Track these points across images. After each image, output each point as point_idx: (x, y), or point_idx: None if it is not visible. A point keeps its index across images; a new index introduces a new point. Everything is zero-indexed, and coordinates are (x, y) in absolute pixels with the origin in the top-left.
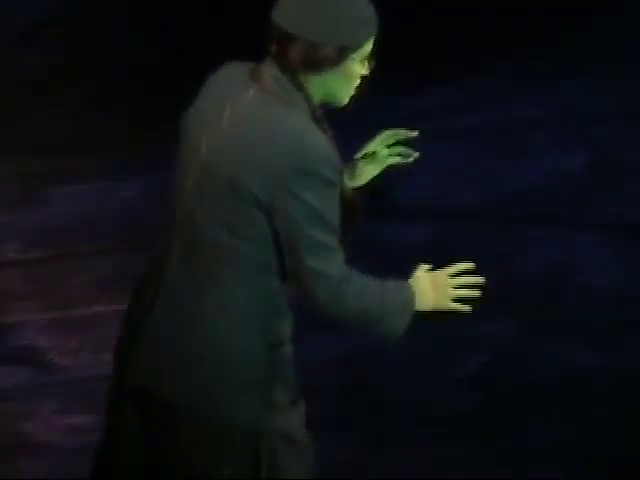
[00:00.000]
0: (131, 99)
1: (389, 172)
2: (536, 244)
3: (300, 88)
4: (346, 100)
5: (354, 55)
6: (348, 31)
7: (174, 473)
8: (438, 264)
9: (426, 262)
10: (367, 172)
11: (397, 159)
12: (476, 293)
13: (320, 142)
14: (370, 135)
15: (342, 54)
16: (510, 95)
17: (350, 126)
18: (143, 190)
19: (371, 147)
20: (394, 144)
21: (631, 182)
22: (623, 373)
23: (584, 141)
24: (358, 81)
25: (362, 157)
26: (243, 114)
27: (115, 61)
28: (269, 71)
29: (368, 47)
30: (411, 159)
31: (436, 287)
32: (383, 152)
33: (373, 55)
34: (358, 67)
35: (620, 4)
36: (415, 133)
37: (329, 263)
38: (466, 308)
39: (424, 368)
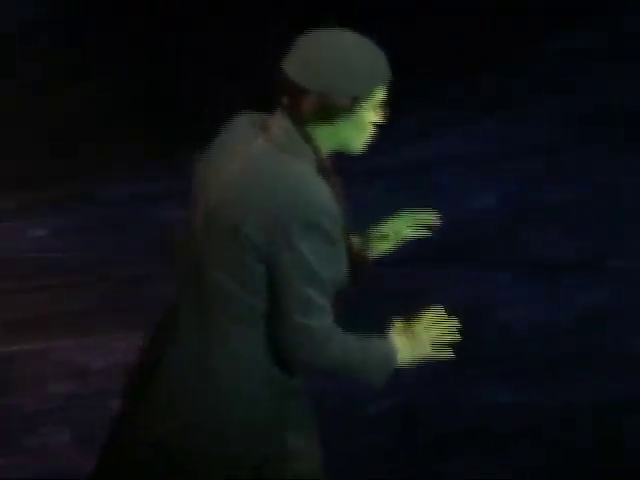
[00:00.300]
0: (131, 103)
1: None
2: (449, 282)
3: (308, 140)
4: (361, 147)
5: (366, 104)
6: (360, 81)
7: None
8: (410, 312)
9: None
10: (379, 248)
11: (411, 232)
12: (455, 337)
13: (323, 195)
14: None
15: (354, 104)
16: (428, 135)
17: None
18: (52, 229)
19: (387, 229)
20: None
21: (542, 220)
22: (539, 409)
23: (498, 180)
24: (371, 128)
25: (376, 236)
26: (250, 164)
27: (115, 62)
28: (278, 122)
29: (380, 95)
30: (427, 234)
31: (414, 339)
32: (399, 230)
33: (385, 102)
34: (370, 115)
35: (540, 52)
36: (433, 216)
37: (317, 320)
38: (448, 354)
39: (341, 407)
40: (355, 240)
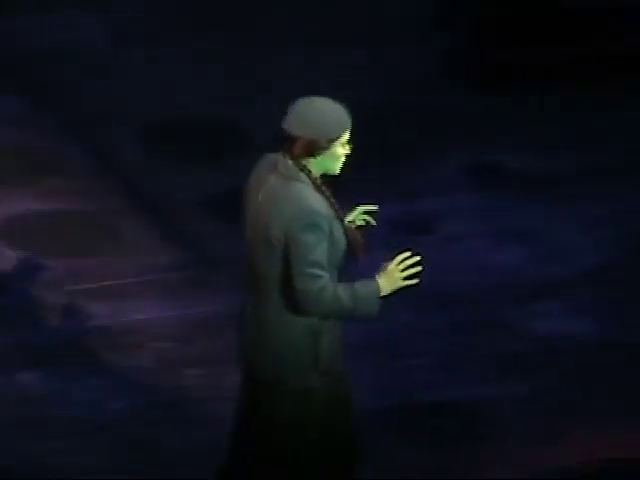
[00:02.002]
0: None
1: None
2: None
3: (303, 169)
4: (337, 170)
5: (337, 142)
6: (332, 128)
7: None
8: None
9: None
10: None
11: (362, 222)
12: (418, 269)
13: (314, 203)
14: None
15: (329, 143)
16: None
17: None
18: None
19: (350, 217)
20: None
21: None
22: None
23: None
24: (343, 157)
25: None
26: (269, 190)
27: None
28: (282, 161)
29: (346, 135)
30: (371, 221)
31: (390, 276)
32: (357, 218)
33: (351, 140)
34: (341, 149)
35: None
36: (376, 207)
37: (310, 284)
38: (414, 282)
39: None
40: (349, 226)
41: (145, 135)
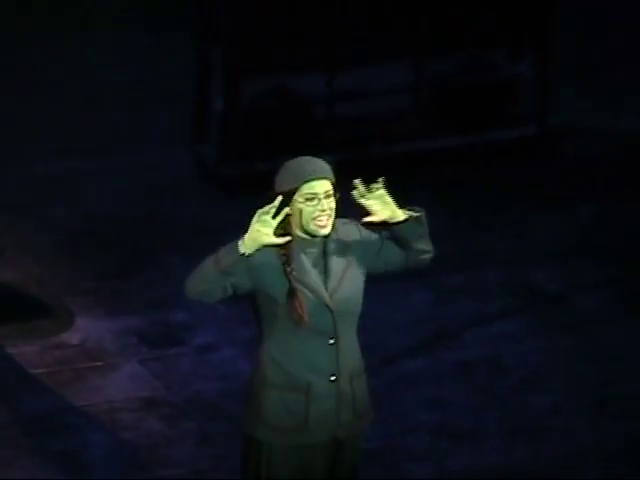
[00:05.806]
0: None
1: None
2: None
3: (284, 223)
4: (313, 230)
5: (297, 196)
6: (287, 180)
7: None
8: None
9: None
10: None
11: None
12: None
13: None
14: None
15: (290, 196)
16: None
17: None
18: None
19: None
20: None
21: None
22: None
23: None
24: (316, 215)
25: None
26: None
27: None
28: None
29: (306, 189)
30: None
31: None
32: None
33: (319, 200)
34: (303, 204)
35: None
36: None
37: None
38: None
39: None
40: (303, 296)
41: None
